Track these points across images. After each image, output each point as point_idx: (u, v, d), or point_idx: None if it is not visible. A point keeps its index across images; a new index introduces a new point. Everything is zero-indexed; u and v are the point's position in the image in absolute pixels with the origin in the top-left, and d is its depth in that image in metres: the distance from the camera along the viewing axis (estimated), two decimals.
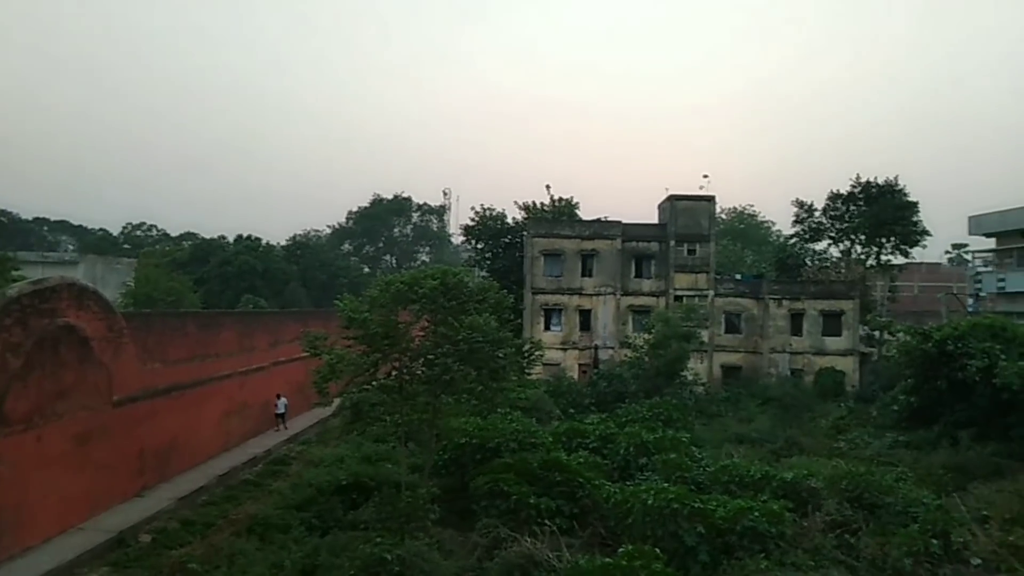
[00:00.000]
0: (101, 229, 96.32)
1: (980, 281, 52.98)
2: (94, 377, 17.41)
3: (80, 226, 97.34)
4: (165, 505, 18.43)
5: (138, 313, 28.36)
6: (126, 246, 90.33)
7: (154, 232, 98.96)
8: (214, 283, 60.47)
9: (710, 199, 45.84)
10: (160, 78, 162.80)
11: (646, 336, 38.61)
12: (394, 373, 17.74)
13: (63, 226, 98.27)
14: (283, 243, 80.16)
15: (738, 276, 49.35)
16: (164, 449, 20.63)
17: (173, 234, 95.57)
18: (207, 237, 74.69)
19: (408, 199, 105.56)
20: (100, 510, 17.26)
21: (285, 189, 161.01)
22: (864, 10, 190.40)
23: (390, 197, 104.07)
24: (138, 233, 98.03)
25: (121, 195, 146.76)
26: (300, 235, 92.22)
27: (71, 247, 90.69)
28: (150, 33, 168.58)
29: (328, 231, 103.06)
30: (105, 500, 17.57)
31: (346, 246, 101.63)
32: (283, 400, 28.60)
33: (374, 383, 17.64)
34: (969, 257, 68.05)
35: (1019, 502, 15.55)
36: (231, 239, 69.26)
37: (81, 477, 16.72)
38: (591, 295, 44.12)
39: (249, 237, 68.25)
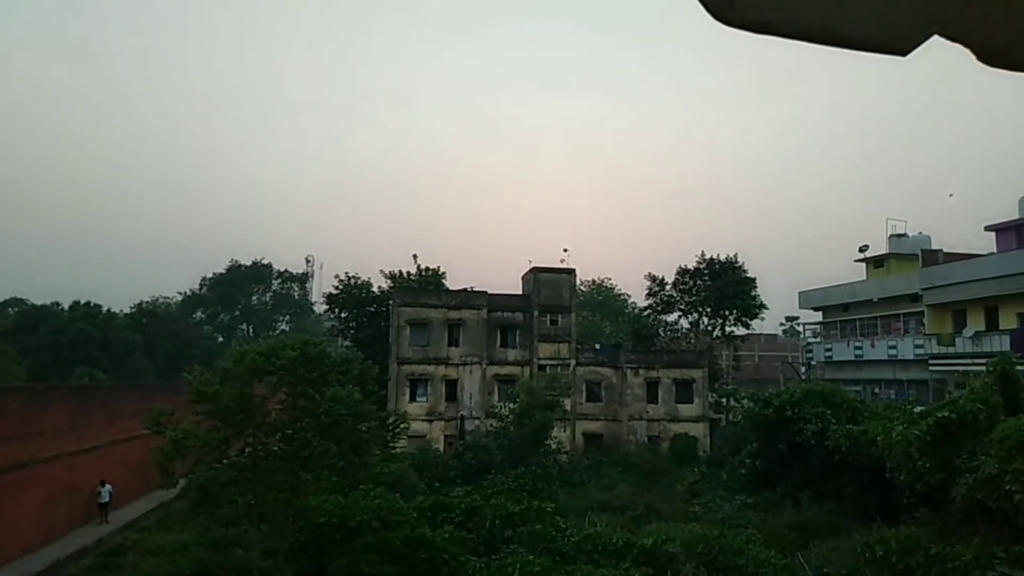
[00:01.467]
0: None
1: (811, 351, 57.90)
2: None
3: None
4: None
5: None
6: None
7: None
8: (44, 353, 55.10)
9: (571, 271, 47.67)
10: None
11: (511, 406, 38.89)
12: (248, 450, 16.77)
13: None
14: (127, 311, 74.66)
15: (598, 346, 51.17)
16: None
17: None
18: (37, 303, 68.30)
19: (268, 265, 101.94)
20: None
21: (131, 253, 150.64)
22: (699, 99, 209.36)
23: (248, 263, 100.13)
24: None
25: None
26: (147, 302, 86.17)
27: None
28: None
29: (179, 298, 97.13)
30: None
31: (199, 314, 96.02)
32: (107, 487, 24.98)
33: (225, 461, 16.58)
34: (800, 329, 74.46)
35: (853, 558, 16.74)
36: (65, 306, 63.70)
37: None
38: (457, 365, 44.07)
39: (87, 304, 63.06)
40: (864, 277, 53.66)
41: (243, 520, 19.88)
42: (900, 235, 52.10)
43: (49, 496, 22.19)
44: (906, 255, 50.31)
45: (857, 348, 50.02)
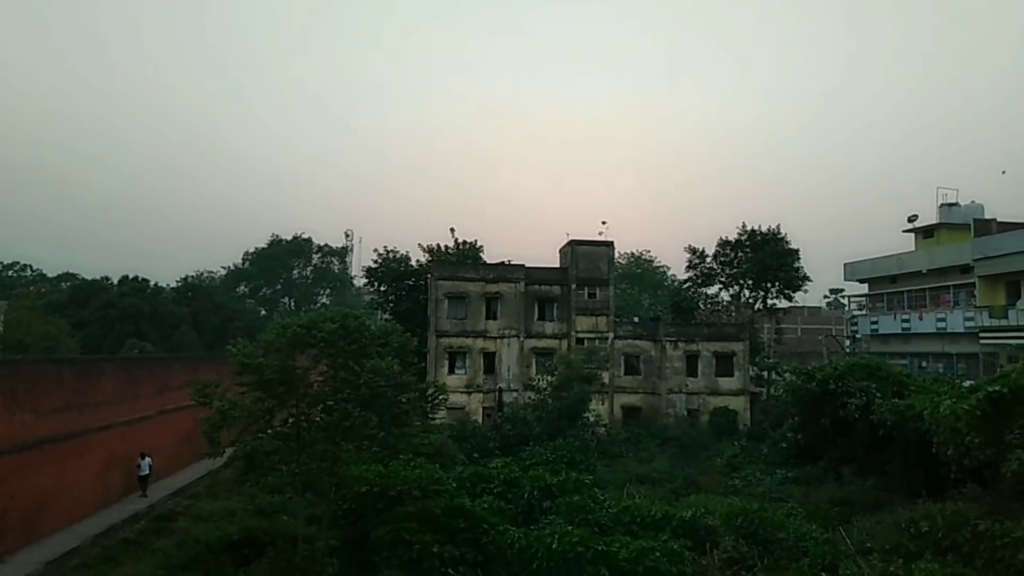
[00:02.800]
0: None
1: (856, 324, 56.69)
2: None
3: None
4: (31, 571, 16.82)
5: (6, 360, 26.20)
6: None
7: (28, 273, 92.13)
8: (95, 327, 56.82)
9: (609, 244, 47.29)
10: (37, 108, 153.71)
11: (549, 378, 38.98)
12: (291, 420, 17.10)
13: None
14: (173, 285, 76.47)
15: (636, 319, 50.86)
16: (33, 508, 18.91)
17: (50, 275, 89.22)
18: (88, 278, 70.32)
19: (308, 240, 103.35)
20: None
21: (177, 229, 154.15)
22: (739, 64, 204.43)
23: (289, 238, 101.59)
24: (10, 274, 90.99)
25: None
26: (192, 276, 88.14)
27: None
28: (31, 59, 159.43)
29: (222, 272, 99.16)
30: None
31: (242, 288, 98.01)
32: (147, 460, 25.09)
33: (269, 431, 16.93)
34: (845, 301, 72.86)
35: (897, 533, 16.45)
36: (115, 280, 65.47)
37: None
38: (495, 338, 44.27)
39: (136, 278, 64.71)
40: (912, 248, 52.19)
41: (287, 488, 20.37)
42: (951, 204, 50.45)
43: (104, 463, 23.01)
44: (957, 225, 48.73)
45: (904, 321, 48.81)
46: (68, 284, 75.37)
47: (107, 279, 66.55)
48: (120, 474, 24.20)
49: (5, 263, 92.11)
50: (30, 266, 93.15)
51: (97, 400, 22.89)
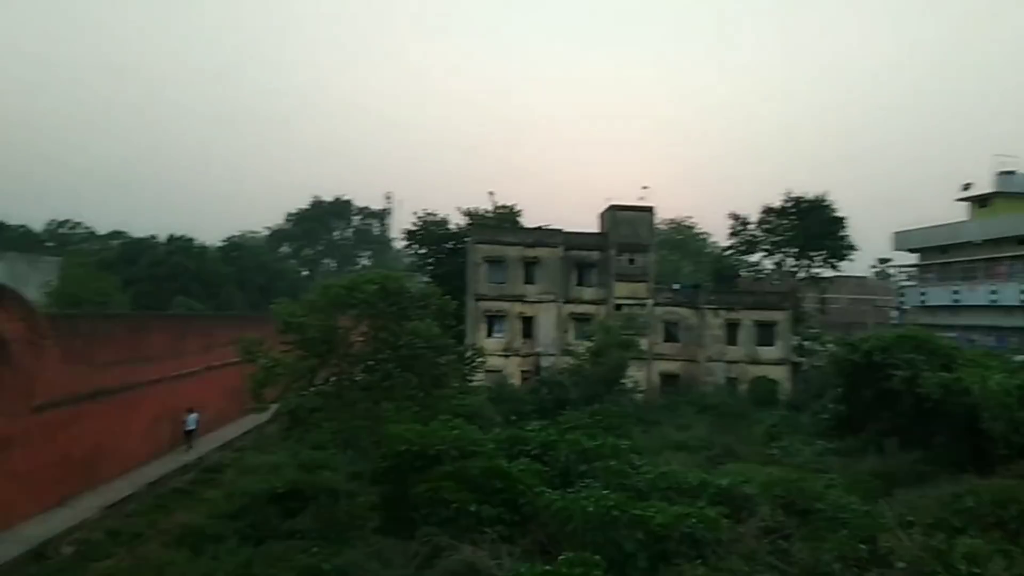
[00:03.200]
0: (23, 226, 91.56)
1: (903, 295, 55.41)
2: (13, 381, 16.53)
3: (0, 223, 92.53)
4: (89, 515, 17.62)
5: (62, 314, 27.12)
6: (50, 244, 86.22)
7: (80, 230, 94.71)
8: (144, 284, 58.33)
9: (649, 210, 46.65)
10: (87, 73, 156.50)
11: (587, 344, 38.96)
12: (333, 379, 17.45)
13: None
14: (218, 244, 77.97)
15: (676, 286, 50.32)
16: (89, 456, 19.72)
17: (101, 233, 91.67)
18: (137, 237, 72.06)
19: (349, 202, 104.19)
20: (17, 521, 16.37)
21: (220, 189, 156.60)
22: (794, 29, 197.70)
23: (330, 199, 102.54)
24: (63, 231, 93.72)
25: (45, 191, 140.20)
26: (236, 236, 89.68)
27: None
28: (79, 26, 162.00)
29: (266, 232, 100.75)
30: (23, 509, 16.69)
31: (284, 248, 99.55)
32: (194, 415, 25.57)
33: (312, 389, 17.32)
34: (893, 272, 71.06)
35: (940, 507, 16.18)
36: (163, 239, 66.98)
37: None
38: (533, 302, 44.31)
39: (182, 237, 66.11)
40: (966, 217, 50.52)
41: (329, 444, 20.87)
42: (1008, 173, 48.51)
43: (156, 416, 23.83)
44: (1015, 194, 47.00)
45: (955, 292, 47.54)
46: (118, 242, 77.37)
47: (155, 237, 68.11)
48: (169, 426, 25.04)
49: (59, 221, 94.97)
50: (82, 224, 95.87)
51: (147, 355, 23.60)
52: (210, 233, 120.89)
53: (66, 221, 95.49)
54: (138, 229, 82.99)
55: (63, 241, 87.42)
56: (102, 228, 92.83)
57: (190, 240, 66.19)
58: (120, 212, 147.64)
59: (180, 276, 59.54)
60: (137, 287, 56.98)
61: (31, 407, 17.14)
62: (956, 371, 24.07)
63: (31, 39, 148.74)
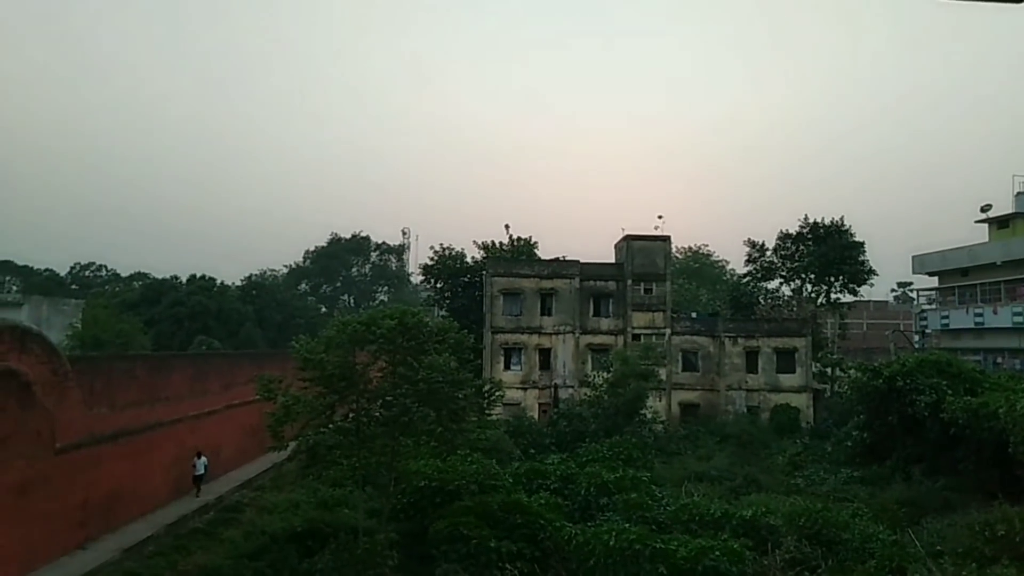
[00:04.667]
0: (48, 270, 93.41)
1: (925, 319, 54.64)
2: (35, 424, 16.71)
3: (25, 266, 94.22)
4: (110, 557, 17.62)
5: (84, 356, 27.47)
6: (74, 287, 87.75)
7: (103, 273, 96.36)
8: (165, 324, 58.97)
9: (665, 239, 46.69)
10: (107, 114, 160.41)
11: (605, 375, 38.76)
12: (351, 415, 17.46)
13: (7, 266, 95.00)
14: (238, 283, 78.85)
15: (694, 314, 50.08)
16: (110, 498, 19.79)
17: (123, 274, 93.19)
18: (158, 277, 73.08)
19: (367, 238, 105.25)
20: (39, 565, 16.42)
21: (240, 229, 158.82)
22: (810, 53, 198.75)
23: (348, 236, 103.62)
24: (86, 274, 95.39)
25: (69, 235, 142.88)
26: (255, 275, 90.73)
27: (15, 288, 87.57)
28: (97, 66, 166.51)
29: (284, 271, 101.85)
30: (45, 553, 16.73)
31: (303, 286, 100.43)
32: (203, 460, 24.54)
33: (331, 425, 17.33)
34: (914, 295, 70.25)
35: (971, 536, 15.82)
36: (184, 279, 67.88)
37: (18, 530, 15.90)
38: (550, 334, 44.26)
39: (203, 277, 66.95)
40: (986, 239, 49.99)
41: (348, 481, 20.83)
42: None
43: (175, 456, 23.90)
44: None
45: (977, 315, 46.85)
46: (140, 283, 78.48)
47: (176, 278, 69.02)
48: (190, 466, 25.10)
49: (83, 264, 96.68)
50: (105, 266, 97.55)
51: (168, 395, 23.78)
52: (230, 272, 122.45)
53: (90, 264, 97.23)
54: (160, 270, 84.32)
55: (86, 284, 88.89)
56: (124, 270, 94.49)
57: (211, 280, 67.01)
58: (142, 254, 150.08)
59: (200, 315, 60.13)
60: (158, 327, 57.59)
61: (53, 450, 17.30)
62: (982, 395, 23.67)
63: (51, 82, 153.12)
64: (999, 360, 44.14)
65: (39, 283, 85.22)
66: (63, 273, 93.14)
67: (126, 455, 20.73)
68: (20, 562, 15.91)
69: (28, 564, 16.15)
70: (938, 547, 15.74)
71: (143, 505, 21.56)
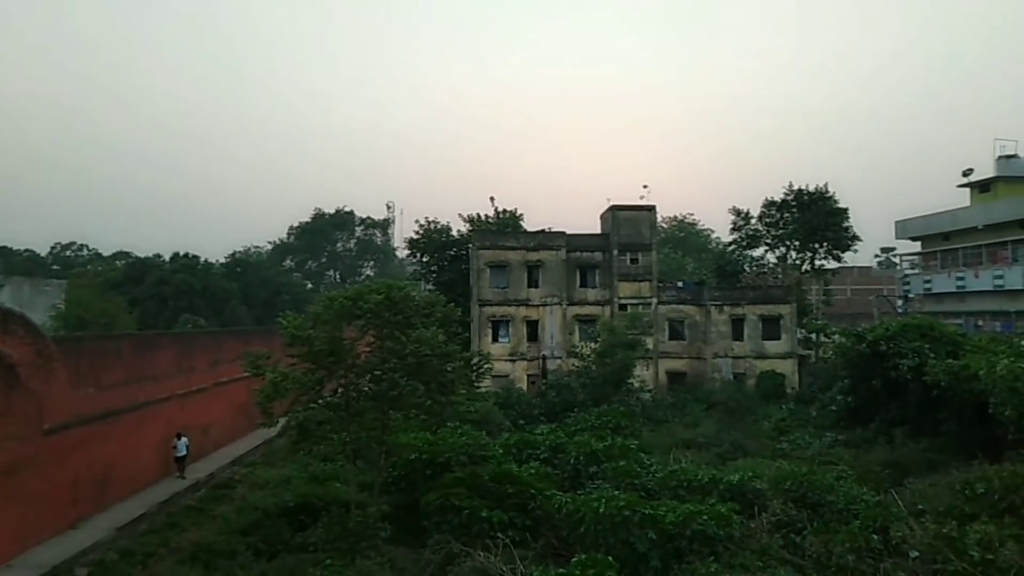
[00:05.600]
0: (27, 250, 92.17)
1: (908, 283, 55.24)
2: (22, 405, 16.61)
3: (4, 247, 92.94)
4: (102, 536, 17.65)
5: (69, 337, 27.25)
6: (55, 267, 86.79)
7: (85, 252, 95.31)
8: (150, 303, 58.55)
9: (651, 208, 46.68)
10: (88, 92, 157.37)
11: (592, 345, 38.98)
12: (340, 390, 17.49)
13: None
14: (222, 260, 78.25)
15: (680, 283, 50.32)
16: (100, 477, 19.78)
17: (105, 253, 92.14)
18: (142, 256, 72.41)
19: (351, 213, 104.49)
20: (31, 545, 16.44)
21: (223, 205, 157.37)
22: (793, 20, 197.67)
23: (332, 211, 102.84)
24: (68, 253, 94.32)
25: (48, 214, 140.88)
26: (240, 252, 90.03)
27: None
28: (80, 46, 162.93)
29: (269, 247, 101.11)
30: (36, 534, 16.75)
31: (288, 262, 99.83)
32: (184, 440, 23.79)
33: (320, 401, 17.36)
34: (897, 260, 70.84)
35: (951, 495, 16.15)
36: (167, 257, 67.27)
37: (8, 511, 15.88)
38: (538, 305, 44.36)
39: (187, 255, 66.39)
40: (968, 203, 50.41)
41: (339, 456, 20.92)
42: (1009, 157, 48.45)
43: (165, 434, 23.87)
44: (1017, 178, 46.91)
45: (959, 279, 47.43)
46: (123, 262, 77.71)
47: (159, 256, 68.43)
48: (171, 447, 25.08)
49: (63, 243, 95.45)
50: (87, 246, 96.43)
51: (155, 374, 23.67)
52: (214, 250, 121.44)
53: (71, 244, 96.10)
54: (142, 249, 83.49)
55: (68, 264, 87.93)
56: (107, 249, 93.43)
57: (194, 258, 66.45)
58: (124, 232, 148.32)
59: (186, 294, 59.77)
60: (143, 306, 57.18)
61: (41, 430, 17.22)
62: (963, 358, 24.00)
63: (32, 62, 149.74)
64: (980, 323, 44.79)
65: (19, 264, 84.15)
66: (43, 253, 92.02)
67: (115, 434, 20.68)
68: (13, 542, 15.93)
69: (21, 544, 16.16)
70: (920, 507, 16.06)
71: (134, 484, 21.57)
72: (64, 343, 19.42)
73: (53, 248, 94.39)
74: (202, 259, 67.58)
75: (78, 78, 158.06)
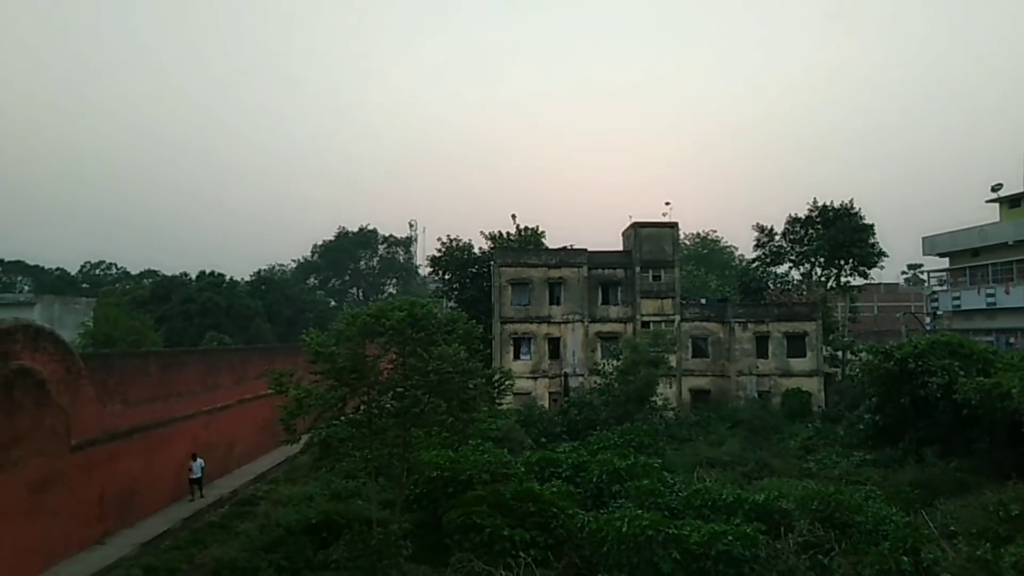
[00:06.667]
0: (58, 269, 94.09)
1: (936, 300, 54.31)
2: (51, 421, 16.87)
3: (36, 266, 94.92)
4: (127, 552, 17.81)
5: (97, 354, 27.65)
6: (85, 285, 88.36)
7: (113, 271, 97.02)
8: (176, 321, 59.36)
9: (673, 225, 46.49)
10: (116, 114, 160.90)
11: (615, 363, 38.75)
12: (363, 407, 17.53)
13: (18, 266, 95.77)
14: (247, 279, 79.21)
15: (703, 300, 49.91)
16: (126, 493, 19.99)
17: (133, 272, 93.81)
18: (168, 274, 73.52)
19: (374, 231, 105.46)
20: (58, 560, 16.62)
21: (248, 224, 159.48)
22: (819, 36, 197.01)
23: (355, 230, 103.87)
24: (97, 272, 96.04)
25: (79, 234, 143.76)
26: (264, 270, 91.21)
27: (27, 288, 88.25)
28: (106, 69, 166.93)
29: (293, 265, 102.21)
30: (63, 549, 16.94)
31: (312, 280, 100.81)
32: (199, 462, 23.55)
33: (343, 418, 17.40)
34: (924, 277, 69.79)
35: (985, 517, 15.77)
36: (193, 276, 68.23)
37: (36, 526, 16.10)
38: (559, 323, 44.25)
39: (212, 273, 67.31)
40: (997, 219, 49.57)
41: (361, 473, 20.94)
42: None
43: (190, 451, 24.10)
44: None
45: (989, 295, 46.54)
46: (150, 281, 78.95)
47: (186, 275, 69.38)
48: (205, 459, 25.28)
49: (93, 262, 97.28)
50: (115, 264, 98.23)
51: (181, 391, 23.94)
52: (239, 268, 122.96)
53: (100, 262, 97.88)
54: (169, 267, 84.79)
55: (97, 282, 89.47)
56: (134, 268, 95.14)
57: (220, 276, 67.32)
58: (151, 251, 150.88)
59: (211, 312, 60.52)
60: (169, 324, 57.98)
61: (69, 446, 17.47)
62: (995, 376, 23.52)
63: (58, 81, 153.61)
64: (1012, 340, 43.88)
65: (50, 282, 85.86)
66: (74, 272, 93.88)
67: (141, 451, 20.92)
68: (39, 558, 16.11)
69: (48, 559, 16.35)
70: (952, 528, 15.71)
71: (159, 500, 21.76)
72: (92, 360, 19.72)
73: (83, 267, 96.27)
74: (227, 277, 68.50)
75: (110, 101, 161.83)
